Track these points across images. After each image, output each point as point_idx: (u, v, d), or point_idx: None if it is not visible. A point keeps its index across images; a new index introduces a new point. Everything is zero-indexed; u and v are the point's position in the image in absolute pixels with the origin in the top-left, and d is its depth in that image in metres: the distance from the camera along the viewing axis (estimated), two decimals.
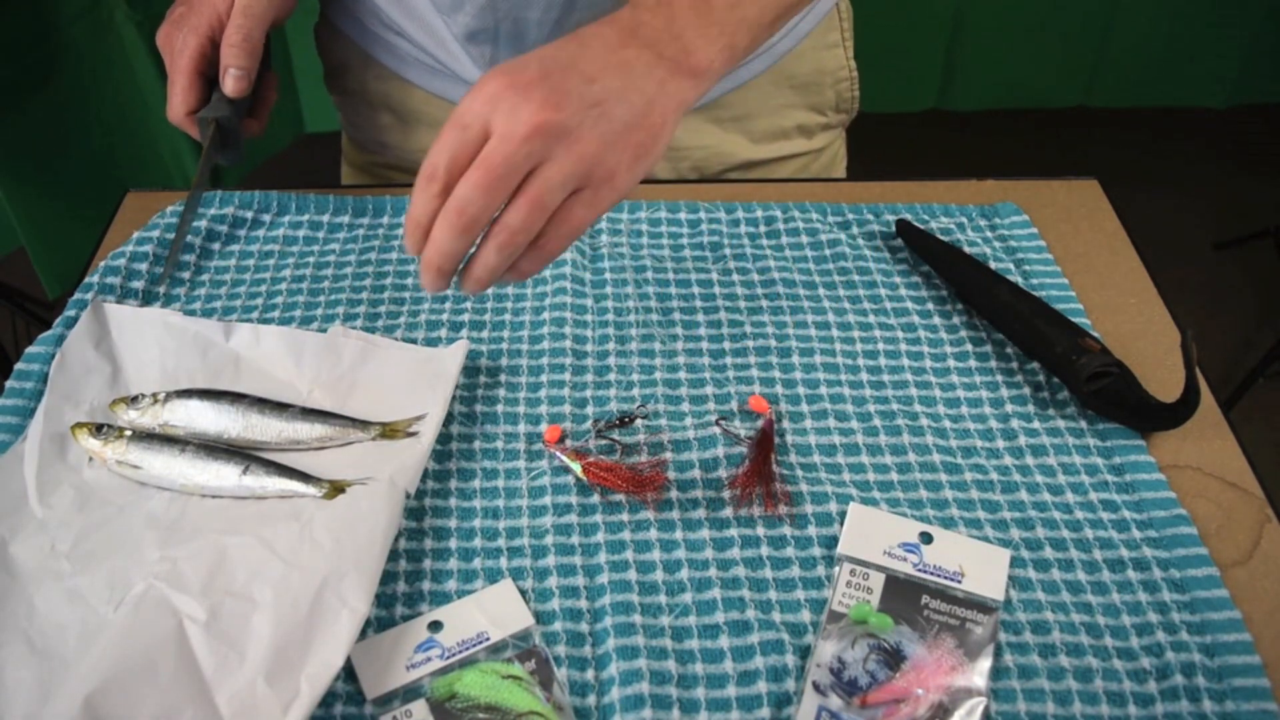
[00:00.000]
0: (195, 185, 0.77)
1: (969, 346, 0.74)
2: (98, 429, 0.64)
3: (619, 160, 0.56)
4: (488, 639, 0.57)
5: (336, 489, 0.62)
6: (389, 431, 0.66)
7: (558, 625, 0.58)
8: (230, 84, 0.75)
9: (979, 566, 0.60)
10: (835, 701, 0.54)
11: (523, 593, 0.59)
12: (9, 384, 0.69)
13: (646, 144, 0.57)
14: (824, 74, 0.92)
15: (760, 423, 0.68)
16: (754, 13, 0.61)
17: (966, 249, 0.80)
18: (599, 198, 0.57)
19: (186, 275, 0.78)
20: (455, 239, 0.55)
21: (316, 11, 0.94)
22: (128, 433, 0.64)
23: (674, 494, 0.64)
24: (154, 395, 0.67)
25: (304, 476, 0.63)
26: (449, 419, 0.68)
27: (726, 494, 0.64)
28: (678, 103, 0.58)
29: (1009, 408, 0.70)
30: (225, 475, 0.63)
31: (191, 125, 0.76)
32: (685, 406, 0.70)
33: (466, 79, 0.86)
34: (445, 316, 0.75)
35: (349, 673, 0.55)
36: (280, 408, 0.67)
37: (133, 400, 0.67)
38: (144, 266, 0.76)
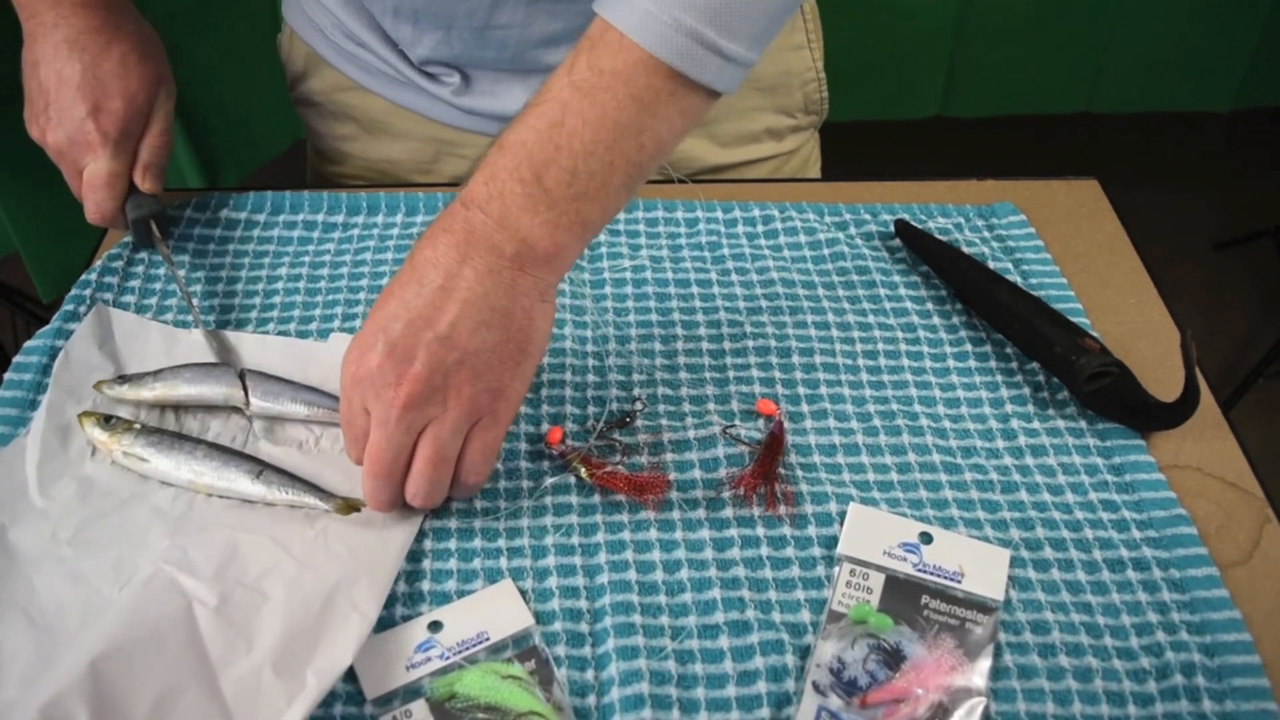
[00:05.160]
0: (182, 288, 0.75)
1: (969, 346, 0.74)
2: (105, 420, 0.64)
3: (499, 378, 0.57)
4: (488, 639, 0.57)
5: (349, 506, 0.62)
6: None
7: (558, 625, 0.58)
8: (151, 182, 0.76)
9: (979, 566, 0.60)
10: (835, 701, 0.54)
11: (523, 593, 0.59)
12: (7, 376, 0.69)
13: (520, 348, 0.57)
14: (791, 76, 0.91)
15: (771, 425, 0.68)
16: (594, 186, 0.56)
17: (965, 249, 0.80)
18: (497, 417, 0.58)
19: (184, 274, 0.78)
20: (381, 508, 0.60)
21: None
22: (136, 426, 0.64)
23: (674, 494, 0.64)
24: (144, 372, 0.67)
25: (316, 489, 0.62)
26: None
27: (727, 494, 0.64)
28: (538, 292, 0.57)
29: (1009, 408, 0.70)
30: (236, 478, 0.62)
31: (121, 221, 0.76)
32: (685, 406, 0.69)
33: (429, 90, 0.86)
34: None
35: (349, 672, 0.55)
36: (272, 377, 0.68)
37: (120, 379, 0.67)
38: (141, 268, 0.76)
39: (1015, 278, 0.78)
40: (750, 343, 0.74)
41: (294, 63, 0.94)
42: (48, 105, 0.73)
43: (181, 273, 0.76)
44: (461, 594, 0.59)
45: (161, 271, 0.77)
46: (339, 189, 0.86)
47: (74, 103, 0.72)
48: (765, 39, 0.58)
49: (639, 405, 0.69)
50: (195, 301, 0.72)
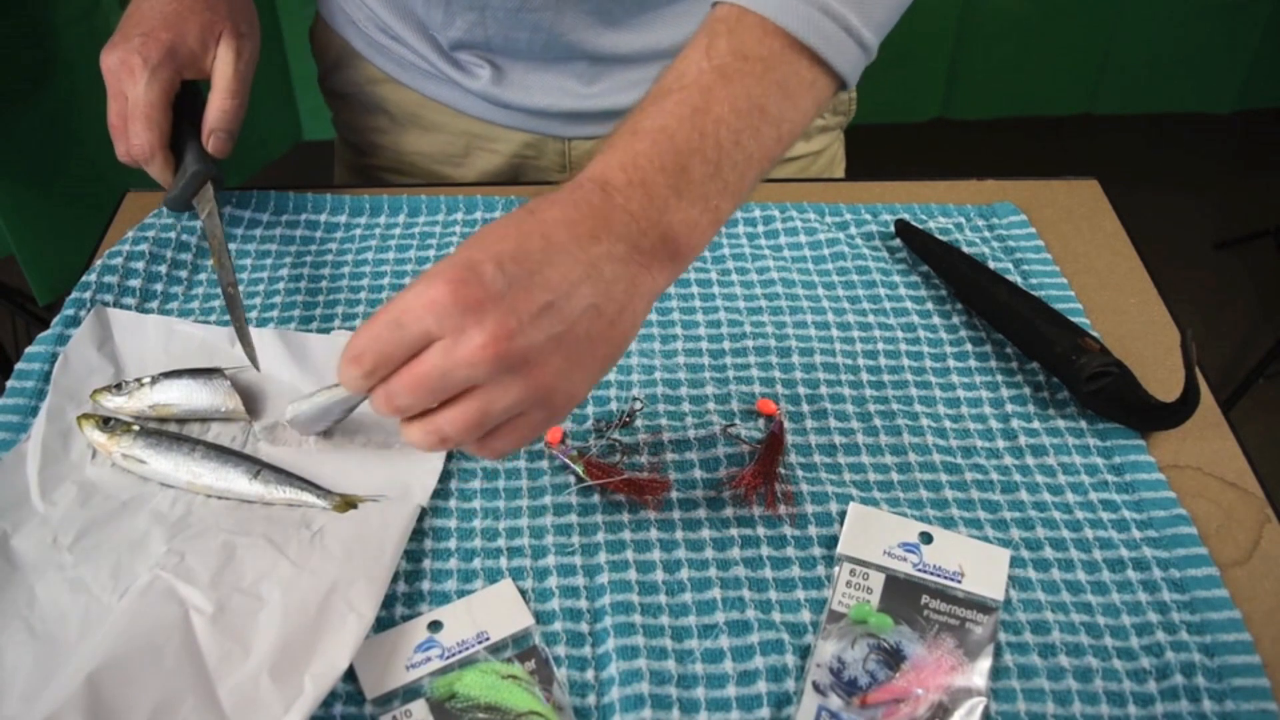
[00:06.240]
0: (218, 247, 0.75)
1: (969, 346, 0.74)
2: (105, 422, 0.64)
3: (579, 380, 0.50)
4: (487, 639, 0.57)
5: (347, 503, 0.62)
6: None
7: (558, 625, 0.58)
8: (216, 144, 0.77)
9: (979, 566, 0.60)
10: (835, 701, 0.54)
11: (523, 593, 0.59)
12: (10, 384, 0.69)
13: (610, 355, 0.51)
14: None
15: (771, 425, 0.68)
16: (734, 178, 0.53)
17: (965, 249, 0.80)
18: (555, 415, 0.51)
19: (184, 274, 0.78)
20: (385, 411, 0.50)
21: (314, 15, 0.95)
22: (135, 427, 0.64)
23: (674, 494, 0.64)
24: (139, 380, 0.67)
25: (314, 487, 0.63)
26: None
27: (727, 494, 0.64)
28: (650, 298, 0.52)
29: (1009, 408, 0.70)
30: (234, 478, 0.62)
31: (164, 163, 0.76)
32: (685, 406, 0.69)
33: (462, 83, 0.86)
34: None
35: (349, 672, 0.55)
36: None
37: (117, 387, 0.67)
38: (141, 265, 0.76)
39: (1015, 278, 0.78)
40: (750, 343, 0.74)
41: (326, 55, 0.94)
42: (117, 34, 0.77)
43: (232, 246, 0.75)
44: (461, 594, 0.59)
45: (162, 270, 0.77)
46: (340, 191, 0.86)
47: (133, 31, 0.76)
48: (887, 28, 0.56)
49: (639, 405, 0.69)
50: (236, 290, 0.72)
